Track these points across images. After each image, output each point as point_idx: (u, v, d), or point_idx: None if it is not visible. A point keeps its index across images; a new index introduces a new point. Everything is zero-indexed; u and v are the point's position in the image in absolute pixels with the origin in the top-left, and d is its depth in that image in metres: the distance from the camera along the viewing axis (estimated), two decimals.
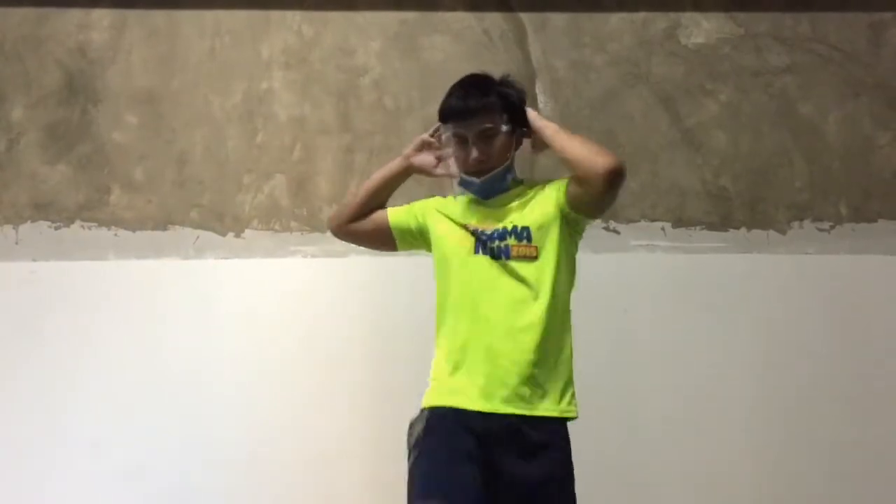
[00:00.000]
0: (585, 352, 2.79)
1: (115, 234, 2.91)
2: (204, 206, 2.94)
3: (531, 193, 2.05)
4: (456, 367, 1.95)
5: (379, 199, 2.16)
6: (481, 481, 1.84)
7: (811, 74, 3.09)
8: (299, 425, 2.76)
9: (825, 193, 3.03)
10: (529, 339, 1.92)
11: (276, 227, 2.94)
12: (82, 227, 2.91)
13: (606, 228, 2.97)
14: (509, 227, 1.99)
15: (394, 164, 2.16)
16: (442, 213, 2.10)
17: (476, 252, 1.99)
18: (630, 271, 2.92)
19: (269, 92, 3.01)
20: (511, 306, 1.94)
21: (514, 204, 2.04)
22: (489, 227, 2.01)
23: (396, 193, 2.19)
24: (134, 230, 2.91)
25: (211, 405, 2.76)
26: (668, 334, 2.86)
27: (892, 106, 3.08)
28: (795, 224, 3.00)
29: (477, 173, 2.01)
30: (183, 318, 2.82)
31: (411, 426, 1.97)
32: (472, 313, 1.96)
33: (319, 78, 3.03)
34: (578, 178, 1.93)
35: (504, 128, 2.00)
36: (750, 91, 3.08)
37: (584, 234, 2.07)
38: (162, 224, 2.93)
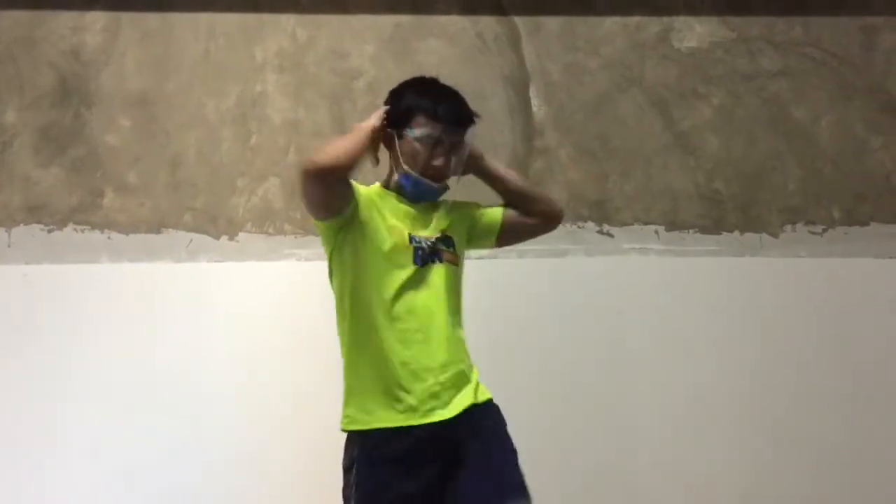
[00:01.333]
0: (579, 354, 2.80)
1: (109, 237, 2.91)
2: (198, 209, 2.94)
3: (446, 208, 2.10)
4: (383, 379, 1.93)
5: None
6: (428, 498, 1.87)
7: (804, 78, 3.10)
8: (293, 427, 2.75)
9: (818, 197, 3.04)
10: (458, 343, 2.00)
11: (270, 230, 2.93)
12: (75, 230, 2.91)
13: (600, 231, 2.97)
14: (440, 235, 2.03)
15: (369, 128, 1.97)
16: (377, 207, 1.99)
17: (415, 256, 1.96)
18: (623, 274, 2.92)
19: (263, 95, 3.01)
20: (446, 312, 1.97)
21: (438, 213, 2.07)
22: (421, 232, 2.01)
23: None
24: (127, 233, 2.91)
25: (205, 408, 2.75)
26: (662, 337, 2.87)
27: (885, 110, 3.10)
28: (788, 227, 3.01)
29: (433, 178, 2.00)
30: (177, 322, 2.81)
31: (345, 450, 1.97)
32: (407, 320, 1.94)
33: (313, 81, 3.03)
34: (531, 212, 2.16)
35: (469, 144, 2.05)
36: (743, 95, 3.09)
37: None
38: (155, 227, 2.92)
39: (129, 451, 2.72)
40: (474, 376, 2.01)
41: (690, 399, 2.83)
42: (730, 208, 3.02)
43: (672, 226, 3.00)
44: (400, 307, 1.93)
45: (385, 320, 1.94)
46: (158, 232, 2.91)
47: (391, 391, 1.92)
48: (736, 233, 3.00)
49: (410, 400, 1.90)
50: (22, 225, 2.90)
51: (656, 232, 2.99)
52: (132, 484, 2.70)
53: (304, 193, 1.94)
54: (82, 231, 2.90)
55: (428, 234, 2.01)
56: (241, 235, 2.93)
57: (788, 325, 2.89)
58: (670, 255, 2.96)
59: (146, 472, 2.71)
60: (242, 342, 2.80)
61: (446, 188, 2.07)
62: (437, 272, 1.98)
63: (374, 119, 1.99)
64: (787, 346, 2.87)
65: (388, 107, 2.04)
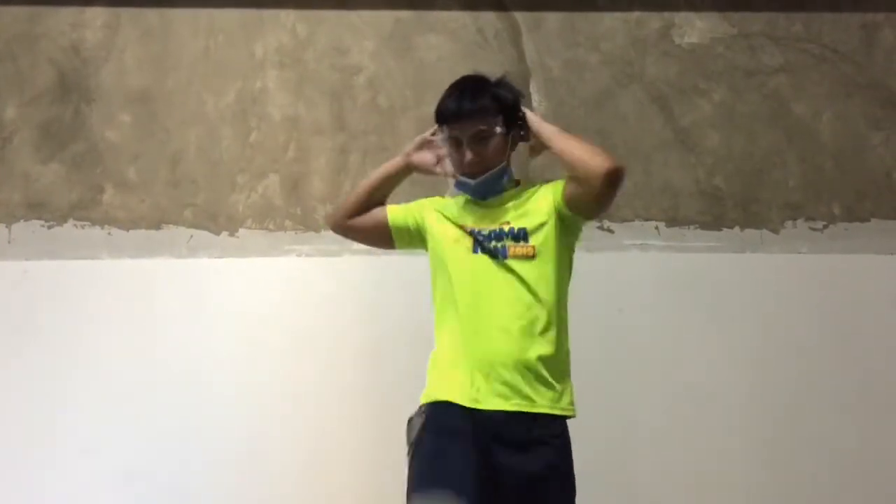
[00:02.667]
0: (580, 350, 2.80)
1: (109, 234, 2.90)
2: (198, 206, 2.94)
3: (527, 194, 2.06)
4: (455, 364, 1.96)
5: (378, 195, 2.17)
6: (480, 476, 1.84)
7: (804, 74, 3.10)
8: (294, 424, 2.75)
9: (818, 193, 3.04)
10: (529, 338, 1.94)
11: (271, 226, 2.93)
12: (75, 226, 2.91)
13: (601, 228, 2.97)
14: (506, 229, 2.01)
15: (394, 162, 2.18)
16: (440, 213, 2.11)
17: (475, 251, 2.00)
18: (624, 270, 2.92)
19: (263, 91, 3.01)
20: (510, 305, 1.96)
21: (511, 205, 2.05)
22: (485, 228, 2.02)
23: (396, 194, 2.20)
24: (127, 229, 2.91)
25: (205, 404, 2.75)
26: (663, 333, 2.87)
27: (885, 106, 3.09)
28: (789, 223, 3.01)
29: (472, 175, 2.02)
30: (177, 318, 2.81)
31: (410, 421, 1.98)
32: (472, 311, 1.97)
33: (313, 77, 3.02)
34: (578, 178, 1.95)
35: (498, 130, 2.01)
36: (743, 91, 3.08)
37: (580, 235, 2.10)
38: (155, 223, 2.92)
39: (129, 448, 2.72)
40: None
41: (691, 395, 2.83)
42: (730, 204, 3.02)
43: (673, 222, 3.00)
44: (462, 298, 1.98)
45: (452, 314, 2.00)
46: (158, 228, 2.91)
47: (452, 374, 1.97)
48: (736, 229, 3.00)
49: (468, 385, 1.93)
50: (22, 221, 2.90)
51: (657, 228, 2.99)
52: (131, 481, 2.70)
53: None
54: (82, 227, 2.90)
55: (490, 227, 2.02)
56: (242, 232, 2.93)
57: (789, 321, 2.89)
58: (671, 252, 2.96)
59: (146, 470, 2.71)
60: (242, 338, 2.80)
61: (499, 178, 2.04)
62: (503, 267, 1.98)
63: (406, 152, 2.16)
64: (787, 343, 2.87)
65: (434, 129, 2.12)
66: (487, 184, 2.03)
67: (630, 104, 3.06)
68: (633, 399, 2.82)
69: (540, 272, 1.98)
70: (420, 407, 1.98)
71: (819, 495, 2.80)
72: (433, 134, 2.13)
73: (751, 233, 3.00)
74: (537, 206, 2.03)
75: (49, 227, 2.90)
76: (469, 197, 2.09)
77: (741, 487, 2.80)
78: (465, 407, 1.91)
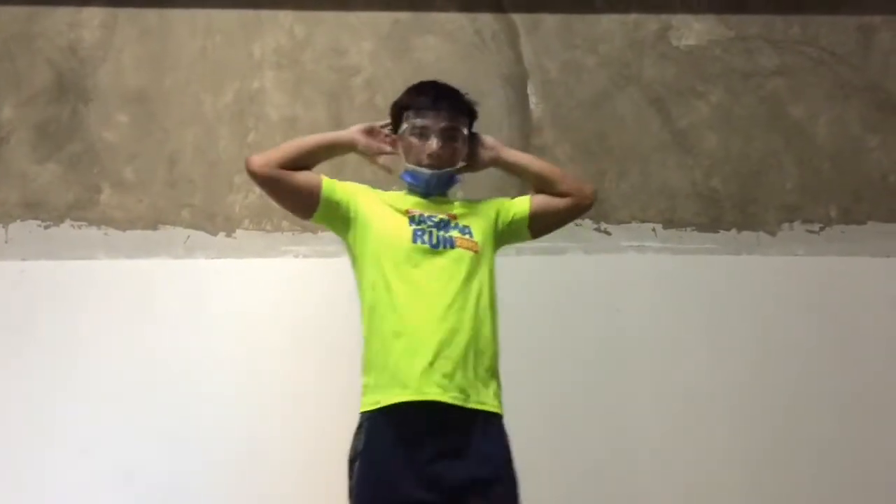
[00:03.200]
0: (576, 352, 2.80)
1: (106, 234, 2.90)
2: (195, 206, 2.93)
3: (473, 202, 2.12)
4: (390, 358, 1.92)
5: (312, 159, 2.10)
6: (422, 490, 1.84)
7: (801, 77, 3.11)
8: (291, 425, 2.75)
9: (815, 195, 3.04)
10: (470, 332, 1.94)
11: (268, 227, 2.93)
12: (72, 226, 2.90)
13: (597, 229, 2.97)
14: (452, 222, 2.03)
15: (342, 134, 2.16)
16: (379, 198, 2.08)
17: (415, 241, 1.98)
18: (621, 272, 2.92)
19: (260, 92, 3.01)
20: (451, 296, 1.94)
21: (457, 204, 2.10)
22: (433, 215, 2.03)
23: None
24: (124, 229, 2.90)
25: (202, 405, 2.75)
26: (659, 335, 2.87)
27: (882, 108, 3.10)
28: (785, 226, 3.02)
29: (429, 166, 2.03)
30: (174, 318, 2.81)
31: (354, 435, 1.95)
32: (411, 303, 1.94)
33: (311, 78, 3.02)
34: (560, 195, 2.13)
35: (465, 132, 2.07)
36: (740, 93, 3.09)
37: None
38: (152, 223, 2.91)
39: (126, 448, 2.71)
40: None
41: (688, 397, 2.83)
42: (727, 206, 3.02)
43: (669, 224, 3.00)
44: (398, 288, 1.95)
45: (388, 306, 1.96)
46: (156, 228, 2.91)
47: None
48: (733, 231, 3.01)
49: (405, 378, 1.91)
50: (19, 221, 2.89)
51: (654, 230, 2.99)
52: (130, 481, 2.69)
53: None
54: (79, 227, 2.90)
55: (437, 215, 2.03)
56: (239, 232, 2.93)
57: (785, 323, 2.89)
58: (668, 253, 2.96)
59: (144, 470, 2.70)
60: (240, 339, 2.79)
61: (452, 179, 2.08)
62: (449, 256, 1.98)
63: (357, 130, 2.13)
64: (784, 344, 2.87)
65: (389, 120, 2.13)
66: (444, 179, 2.06)
67: (627, 106, 3.07)
68: (630, 400, 2.82)
69: (479, 270, 2.01)
70: (361, 416, 1.94)
71: (816, 497, 2.80)
72: (383, 126, 2.14)
73: (747, 235, 3.01)
74: (484, 213, 2.10)
75: (46, 227, 2.89)
76: (409, 193, 2.09)
77: (738, 490, 2.80)
78: (405, 410, 1.88)
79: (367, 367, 1.97)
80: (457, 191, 2.16)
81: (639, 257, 2.96)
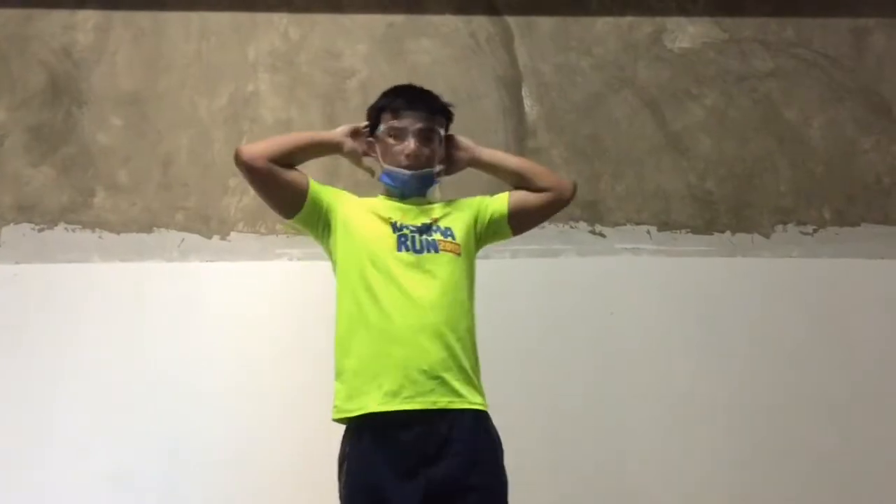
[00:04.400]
0: (570, 354, 2.80)
1: (100, 237, 2.90)
2: (189, 209, 2.93)
3: (450, 203, 2.13)
4: (374, 362, 1.94)
5: (300, 156, 2.10)
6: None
7: (795, 79, 3.11)
8: (285, 427, 2.75)
9: (809, 197, 3.05)
10: (459, 335, 1.95)
11: (262, 229, 2.93)
12: (66, 229, 2.90)
13: (592, 232, 2.98)
14: (433, 225, 2.04)
15: (330, 134, 2.17)
16: (361, 205, 2.08)
17: (399, 250, 1.99)
18: (615, 274, 2.92)
19: (255, 94, 3.01)
20: (435, 300, 1.95)
21: (435, 207, 2.10)
22: (414, 223, 2.03)
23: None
24: (118, 232, 2.90)
25: (196, 408, 2.74)
26: (654, 337, 2.87)
27: (876, 111, 3.11)
28: (779, 228, 3.02)
29: (408, 167, 2.04)
30: (168, 321, 2.80)
31: (343, 438, 1.97)
32: (395, 308, 1.94)
33: (306, 80, 3.02)
34: (539, 190, 2.13)
35: (441, 133, 2.08)
36: (735, 96, 3.09)
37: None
38: (147, 226, 2.91)
39: (120, 451, 2.71)
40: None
41: (682, 399, 2.83)
42: (721, 209, 3.03)
43: (664, 226, 3.01)
44: (384, 295, 1.95)
45: (372, 312, 1.96)
46: (150, 231, 2.91)
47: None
48: (727, 233, 3.01)
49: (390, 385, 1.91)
50: (12, 224, 2.89)
51: (648, 232, 3.00)
52: (123, 484, 2.69)
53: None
54: (73, 230, 2.89)
55: (418, 222, 2.04)
56: (233, 235, 2.92)
57: (779, 325, 2.89)
58: (662, 256, 2.97)
59: (137, 472, 2.70)
60: (234, 341, 2.79)
61: (431, 180, 2.09)
62: (433, 261, 1.98)
63: (343, 131, 2.13)
64: (778, 347, 2.88)
65: (366, 122, 2.14)
66: (422, 179, 2.06)
67: (622, 109, 3.07)
68: (624, 403, 2.82)
69: (462, 272, 2.02)
70: (346, 426, 1.96)
71: (812, 499, 2.80)
72: (363, 129, 2.14)
73: (742, 237, 3.01)
74: (464, 212, 2.10)
75: (40, 230, 2.89)
76: (388, 198, 2.09)
77: (732, 492, 2.80)
78: (390, 419, 1.88)
79: (347, 371, 2.00)
80: (434, 192, 2.15)
81: (633, 259, 2.96)
